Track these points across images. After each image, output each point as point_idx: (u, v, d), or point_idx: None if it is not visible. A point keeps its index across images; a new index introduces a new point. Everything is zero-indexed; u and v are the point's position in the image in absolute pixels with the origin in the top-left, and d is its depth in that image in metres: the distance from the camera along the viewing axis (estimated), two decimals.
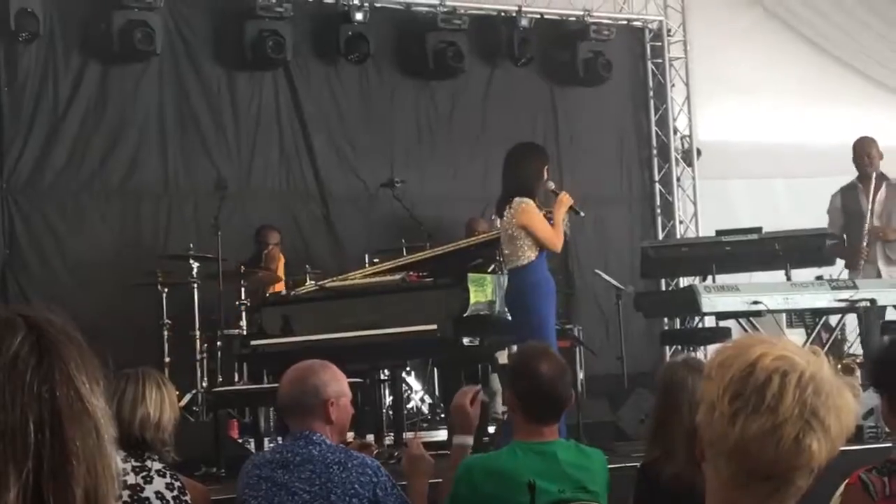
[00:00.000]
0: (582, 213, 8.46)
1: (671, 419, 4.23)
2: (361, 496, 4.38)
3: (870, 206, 10.08)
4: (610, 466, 4.71)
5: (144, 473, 4.33)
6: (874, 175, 10.18)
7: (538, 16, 13.16)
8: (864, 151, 10.19)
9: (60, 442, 1.43)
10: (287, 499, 4.38)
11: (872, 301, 9.61)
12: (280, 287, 10.60)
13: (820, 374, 2.18)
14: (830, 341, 10.25)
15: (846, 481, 3.56)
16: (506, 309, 8.14)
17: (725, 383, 2.19)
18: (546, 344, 4.85)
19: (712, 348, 10.21)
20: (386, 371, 9.28)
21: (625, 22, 13.82)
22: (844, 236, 10.47)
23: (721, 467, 2.22)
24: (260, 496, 4.43)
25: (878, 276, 10.02)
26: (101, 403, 1.50)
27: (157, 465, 4.37)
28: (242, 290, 10.49)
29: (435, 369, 10.48)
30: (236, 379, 10.25)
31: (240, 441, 9.20)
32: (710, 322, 10.79)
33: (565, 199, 8.01)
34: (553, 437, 4.51)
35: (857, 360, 9.83)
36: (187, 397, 10.13)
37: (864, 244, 10.06)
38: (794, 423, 2.13)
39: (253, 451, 8.35)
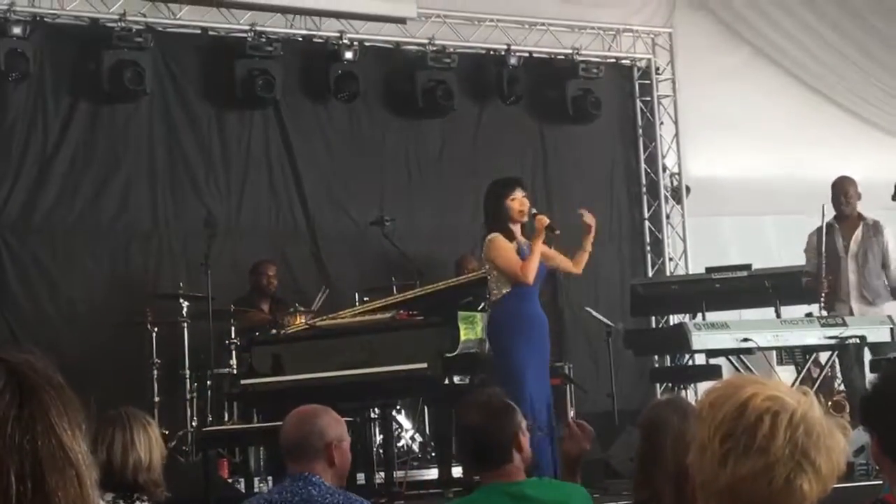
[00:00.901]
0: (557, 231, 8.14)
1: (655, 461, 4.22)
2: None
3: (846, 245, 10.11)
4: None
5: None
6: (852, 215, 10.21)
7: (527, 54, 13.20)
8: (841, 191, 10.23)
9: (42, 494, 1.41)
10: None
11: (862, 338, 9.61)
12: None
13: (811, 415, 2.18)
14: (821, 378, 10.24)
15: None
16: None
17: (716, 423, 2.19)
18: (490, 391, 4.86)
19: (703, 386, 10.21)
20: (376, 409, 9.25)
21: (613, 60, 13.87)
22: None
23: None
24: None
25: (851, 314, 10.05)
26: (83, 449, 1.47)
27: None
28: (232, 328, 10.47)
29: (425, 408, 10.46)
30: (226, 418, 10.21)
31: (230, 481, 9.16)
32: (700, 360, 10.79)
33: (539, 224, 7.92)
34: (519, 476, 4.52)
35: (847, 397, 9.84)
36: (177, 437, 10.10)
37: (840, 280, 10.08)
38: (786, 464, 2.13)
39: (243, 490, 8.32)
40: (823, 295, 10.03)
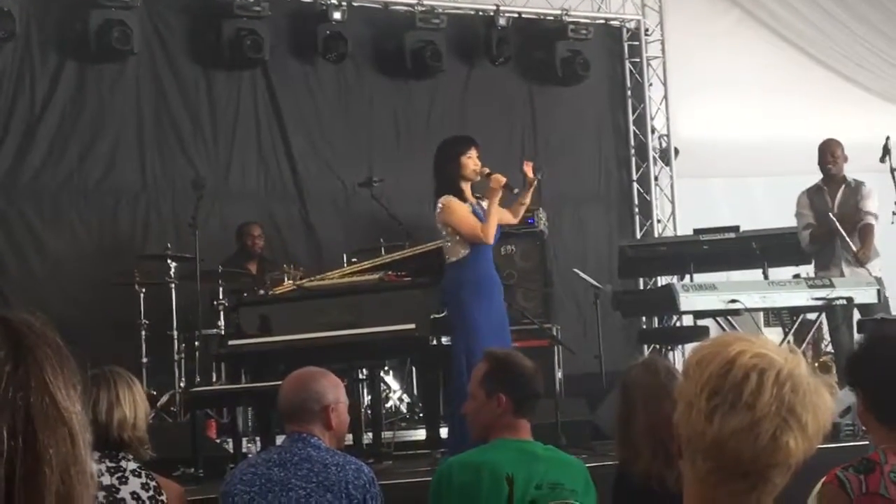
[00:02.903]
0: (516, 190, 7.98)
1: (630, 419, 4.31)
2: (353, 497, 4.47)
3: (833, 206, 10.13)
4: (588, 465, 4.73)
5: (119, 474, 4.32)
6: (838, 175, 10.21)
7: (516, 15, 13.17)
8: (828, 150, 10.23)
9: (33, 450, 1.41)
10: (282, 495, 4.45)
11: (849, 299, 9.63)
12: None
13: (797, 372, 2.18)
14: (808, 339, 10.27)
15: (823, 479, 3.57)
16: None
17: (703, 380, 2.19)
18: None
19: (690, 347, 10.22)
20: (364, 370, 9.26)
21: (602, 21, 13.84)
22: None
23: (698, 464, 2.22)
24: (253, 491, 4.49)
25: (842, 276, 10.06)
26: (78, 409, 1.47)
27: (133, 465, 4.36)
28: (220, 289, 10.47)
29: (413, 368, 10.48)
30: (214, 379, 10.22)
31: (218, 441, 9.18)
32: (687, 321, 10.82)
33: (495, 183, 7.78)
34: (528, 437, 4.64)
35: (834, 358, 9.88)
36: (165, 397, 10.11)
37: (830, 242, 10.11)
38: (772, 421, 2.13)
39: (231, 451, 8.34)
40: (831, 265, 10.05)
